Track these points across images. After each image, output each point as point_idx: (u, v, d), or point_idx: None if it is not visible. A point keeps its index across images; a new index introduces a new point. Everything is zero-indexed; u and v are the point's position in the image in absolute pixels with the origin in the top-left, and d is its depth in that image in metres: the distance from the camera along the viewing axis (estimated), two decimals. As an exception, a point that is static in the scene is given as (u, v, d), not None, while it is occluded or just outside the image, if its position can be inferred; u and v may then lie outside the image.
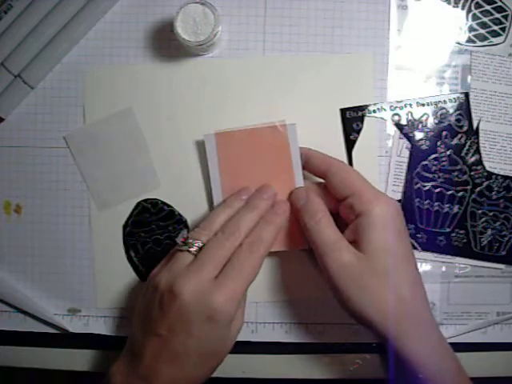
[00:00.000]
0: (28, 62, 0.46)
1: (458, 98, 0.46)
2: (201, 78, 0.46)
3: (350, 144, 0.46)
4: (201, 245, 0.39)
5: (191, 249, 0.38)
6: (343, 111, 0.46)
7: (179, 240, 0.42)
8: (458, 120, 0.46)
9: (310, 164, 0.42)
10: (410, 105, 0.46)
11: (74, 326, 0.47)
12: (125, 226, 0.46)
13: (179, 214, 0.46)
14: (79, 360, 0.45)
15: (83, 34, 0.46)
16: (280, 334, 0.47)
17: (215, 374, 0.46)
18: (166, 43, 0.46)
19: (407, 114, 0.46)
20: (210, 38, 0.42)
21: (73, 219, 0.47)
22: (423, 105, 0.46)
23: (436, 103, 0.46)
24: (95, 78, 0.47)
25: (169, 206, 0.46)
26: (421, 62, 0.46)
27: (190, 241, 0.39)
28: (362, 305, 0.37)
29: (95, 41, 0.47)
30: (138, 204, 0.46)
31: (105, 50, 0.47)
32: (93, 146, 0.46)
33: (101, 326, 0.47)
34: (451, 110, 0.46)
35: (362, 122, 0.46)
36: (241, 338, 0.46)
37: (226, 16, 0.46)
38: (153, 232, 0.46)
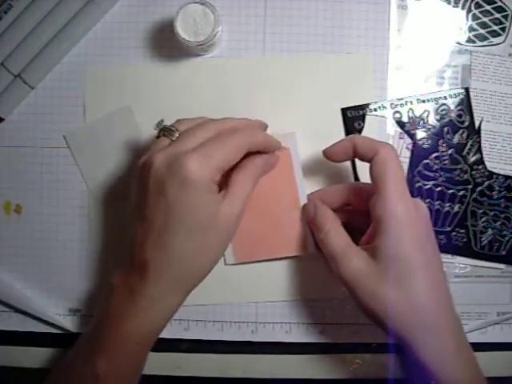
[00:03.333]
0: (28, 62, 0.46)
1: (459, 93, 0.46)
2: (201, 78, 0.46)
3: (351, 143, 0.46)
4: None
5: (171, 137, 0.38)
6: (344, 110, 0.46)
7: (157, 128, 0.39)
8: (459, 115, 0.46)
9: (357, 153, 0.40)
10: (411, 102, 0.46)
11: (75, 325, 0.47)
12: None
13: None
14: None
15: (83, 34, 0.46)
16: (280, 334, 0.47)
17: (215, 374, 0.46)
18: (166, 43, 0.46)
19: (408, 112, 0.46)
20: (210, 38, 0.42)
21: (73, 219, 0.47)
22: (424, 101, 0.46)
23: (436, 99, 0.46)
24: (95, 78, 0.47)
25: None
26: (421, 61, 0.46)
27: (170, 127, 0.38)
28: (374, 311, 0.37)
29: (95, 41, 0.47)
30: None
31: (105, 50, 0.47)
32: (92, 144, 0.46)
33: (101, 326, 0.47)
34: (452, 106, 0.46)
35: (364, 120, 0.46)
36: (241, 337, 0.47)
37: (226, 16, 0.46)
38: None
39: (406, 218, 0.37)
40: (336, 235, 0.39)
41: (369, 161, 0.39)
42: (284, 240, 0.44)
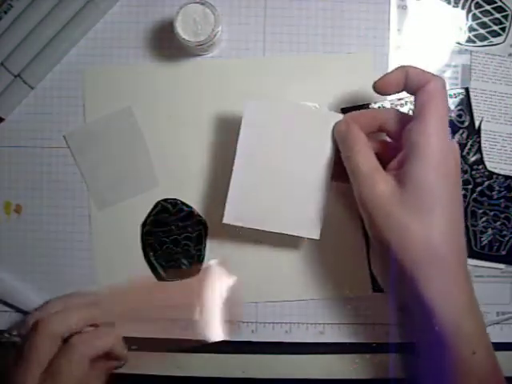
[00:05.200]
0: (28, 62, 0.46)
1: (459, 93, 0.46)
2: (201, 78, 0.46)
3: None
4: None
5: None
6: (344, 110, 0.46)
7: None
8: (459, 116, 0.46)
9: (408, 84, 0.39)
10: (411, 102, 0.46)
11: (74, 325, 0.47)
12: (143, 225, 0.46)
13: (199, 215, 0.46)
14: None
15: (83, 34, 0.46)
16: (280, 334, 0.47)
17: (215, 374, 0.46)
18: (166, 43, 0.46)
19: (408, 112, 0.46)
20: (210, 38, 0.42)
21: (73, 219, 0.47)
22: (424, 101, 0.46)
23: (437, 99, 0.46)
24: (95, 78, 0.47)
25: (188, 206, 0.46)
26: (421, 62, 0.46)
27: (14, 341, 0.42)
28: (388, 238, 0.36)
29: (95, 41, 0.47)
30: (158, 203, 0.46)
31: (105, 50, 0.47)
32: (92, 144, 0.46)
33: (101, 326, 0.47)
34: (452, 106, 0.46)
35: (364, 120, 0.46)
36: (241, 337, 0.47)
37: (226, 16, 0.46)
38: (171, 232, 0.46)
39: (439, 149, 0.36)
40: (365, 156, 0.38)
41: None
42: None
